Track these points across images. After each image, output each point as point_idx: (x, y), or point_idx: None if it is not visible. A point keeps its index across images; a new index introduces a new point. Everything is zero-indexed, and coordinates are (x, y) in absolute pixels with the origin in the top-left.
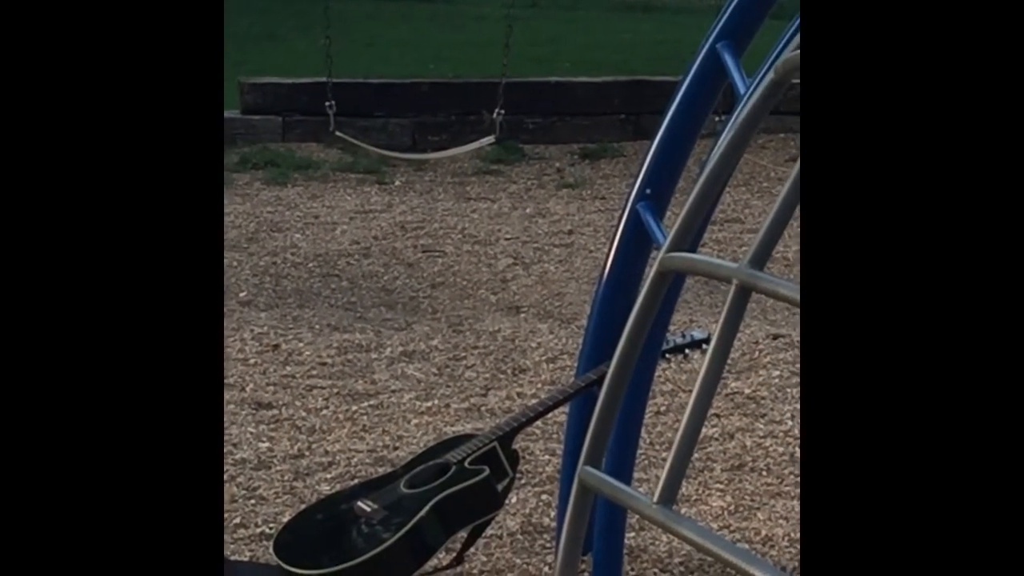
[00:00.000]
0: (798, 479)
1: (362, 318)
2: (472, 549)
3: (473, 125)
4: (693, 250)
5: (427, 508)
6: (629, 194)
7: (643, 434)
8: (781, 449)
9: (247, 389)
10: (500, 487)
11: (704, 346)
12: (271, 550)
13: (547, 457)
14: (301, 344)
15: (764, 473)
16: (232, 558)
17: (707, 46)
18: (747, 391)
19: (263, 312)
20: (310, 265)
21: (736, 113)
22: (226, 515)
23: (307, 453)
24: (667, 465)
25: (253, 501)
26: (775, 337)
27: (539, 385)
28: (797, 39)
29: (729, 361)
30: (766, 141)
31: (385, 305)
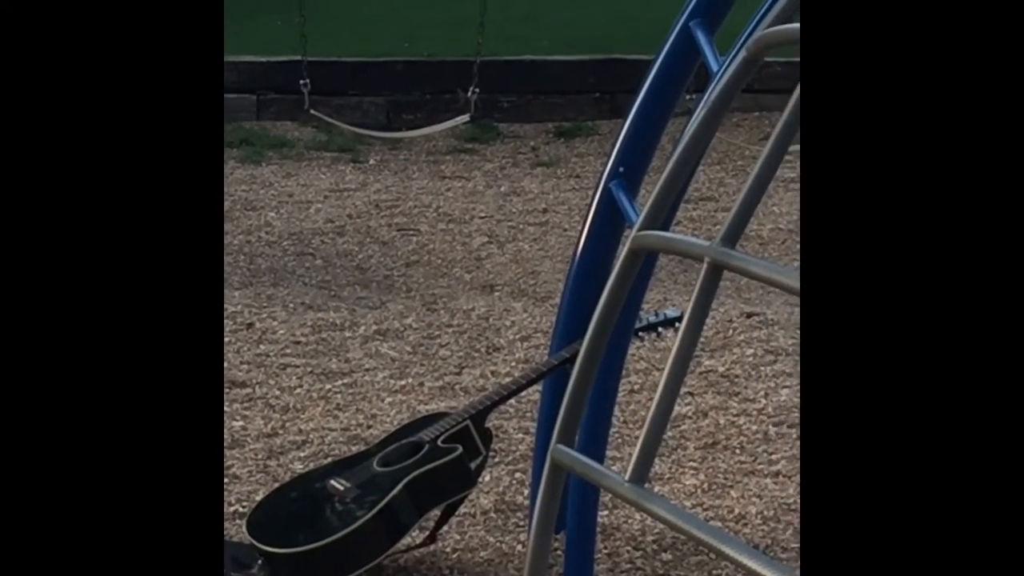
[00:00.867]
0: (771, 457)
1: (336, 296)
2: (445, 527)
3: (448, 104)
4: (666, 228)
5: (400, 486)
6: (602, 172)
7: (616, 412)
8: (755, 427)
9: None
10: (473, 465)
11: (677, 324)
12: (244, 529)
13: (520, 436)
14: (275, 323)
15: (737, 451)
16: None
17: (680, 24)
18: (721, 369)
19: (237, 291)
20: (284, 244)
21: (709, 91)
22: None
23: (281, 432)
24: (639, 443)
25: (226, 480)
26: (749, 315)
27: (513, 363)
28: (770, 17)
29: (703, 339)
30: (740, 120)
31: (359, 284)
